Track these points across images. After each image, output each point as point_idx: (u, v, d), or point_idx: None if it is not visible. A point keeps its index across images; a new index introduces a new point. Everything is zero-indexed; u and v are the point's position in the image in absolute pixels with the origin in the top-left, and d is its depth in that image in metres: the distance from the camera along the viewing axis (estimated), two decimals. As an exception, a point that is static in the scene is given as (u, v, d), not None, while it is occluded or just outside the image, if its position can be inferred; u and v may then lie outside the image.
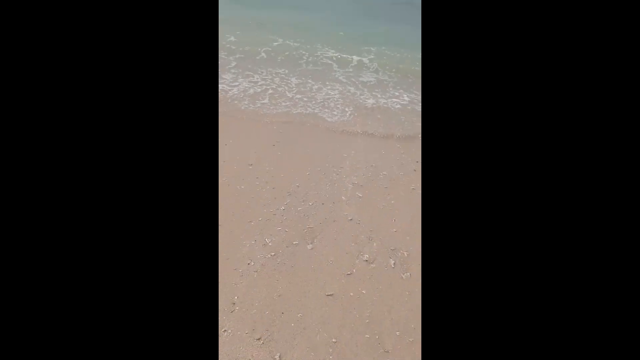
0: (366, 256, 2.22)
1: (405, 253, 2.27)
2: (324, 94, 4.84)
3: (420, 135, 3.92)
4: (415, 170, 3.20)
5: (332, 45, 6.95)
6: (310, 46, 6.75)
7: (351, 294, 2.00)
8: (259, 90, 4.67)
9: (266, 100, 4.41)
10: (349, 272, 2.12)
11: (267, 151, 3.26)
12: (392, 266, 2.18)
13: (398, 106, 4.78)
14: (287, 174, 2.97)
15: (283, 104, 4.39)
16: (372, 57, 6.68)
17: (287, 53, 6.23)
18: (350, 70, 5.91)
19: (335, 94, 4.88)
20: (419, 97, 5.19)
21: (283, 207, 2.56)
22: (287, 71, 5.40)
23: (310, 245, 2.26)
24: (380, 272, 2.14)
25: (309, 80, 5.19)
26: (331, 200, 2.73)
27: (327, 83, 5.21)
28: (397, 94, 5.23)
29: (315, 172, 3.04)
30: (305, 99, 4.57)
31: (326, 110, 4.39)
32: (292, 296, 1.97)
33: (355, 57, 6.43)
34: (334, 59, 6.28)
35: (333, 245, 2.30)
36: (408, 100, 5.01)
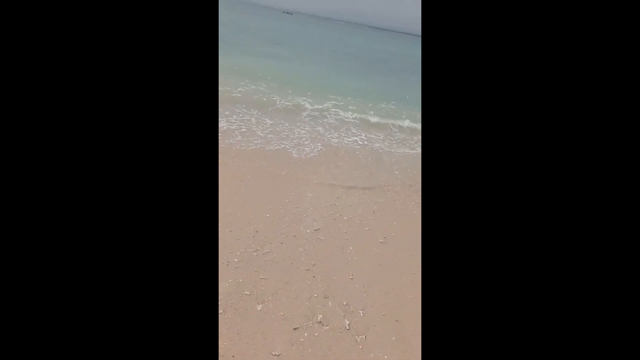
0: (320, 317, 1.67)
1: (361, 312, 1.73)
2: (295, 133, 4.38)
3: (378, 183, 3.51)
4: (374, 211, 2.74)
5: (302, 93, 6.66)
6: (283, 92, 6.39)
7: (302, 356, 1.44)
8: (233, 127, 4.13)
9: (239, 138, 3.87)
10: (298, 328, 1.56)
11: (232, 190, 2.68)
12: (347, 328, 1.64)
13: (358, 145, 4.40)
14: (248, 216, 2.39)
15: (255, 141, 3.86)
16: (341, 103, 6.41)
17: (261, 96, 5.80)
18: (318, 113, 5.55)
19: (304, 133, 4.44)
20: (377, 137, 4.88)
21: (237, 259, 1.97)
22: (259, 112, 4.93)
23: (260, 305, 1.68)
24: (334, 335, 1.59)
25: (281, 121, 4.73)
26: (288, 245, 2.18)
27: (298, 124, 4.79)
28: (357, 133, 4.89)
29: (276, 213, 2.49)
30: (276, 138, 4.08)
31: (297, 148, 3.91)
32: (238, 356, 1.36)
33: (323, 105, 6.11)
34: (305, 103, 5.92)
35: (286, 302, 1.73)
36: (367, 140, 4.66)
